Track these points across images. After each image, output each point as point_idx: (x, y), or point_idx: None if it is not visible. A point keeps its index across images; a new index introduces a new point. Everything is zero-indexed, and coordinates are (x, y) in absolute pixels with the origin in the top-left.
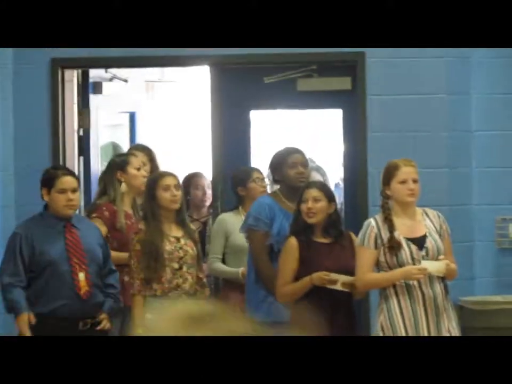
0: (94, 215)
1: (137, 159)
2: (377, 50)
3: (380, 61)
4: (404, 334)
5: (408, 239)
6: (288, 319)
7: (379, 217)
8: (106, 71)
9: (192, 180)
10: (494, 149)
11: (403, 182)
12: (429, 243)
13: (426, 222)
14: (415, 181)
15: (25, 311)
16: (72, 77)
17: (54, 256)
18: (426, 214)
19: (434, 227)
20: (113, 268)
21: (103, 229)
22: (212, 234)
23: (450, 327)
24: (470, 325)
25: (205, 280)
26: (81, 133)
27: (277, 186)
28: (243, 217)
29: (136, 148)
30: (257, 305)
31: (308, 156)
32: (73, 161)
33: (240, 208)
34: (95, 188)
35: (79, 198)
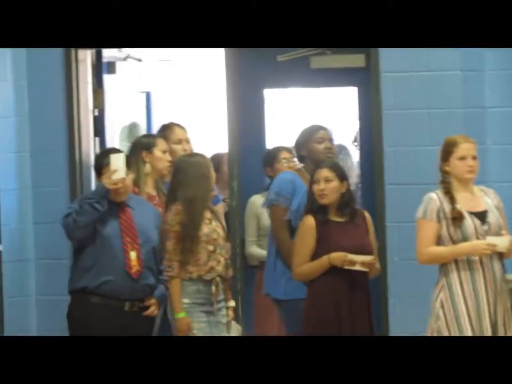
0: None
1: (163, 142)
2: None
3: None
4: (465, 312)
5: (471, 213)
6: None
7: (439, 191)
8: (120, 51)
9: (221, 159)
10: (509, 125)
11: (462, 158)
12: (491, 218)
13: (485, 199)
14: (474, 158)
15: None
16: (85, 57)
17: (107, 232)
18: (484, 192)
19: (493, 204)
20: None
21: None
22: (246, 217)
23: (505, 311)
24: None
25: (229, 261)
26: (96, 113)
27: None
28: None
29: (176, 124)
30: (275, 280)
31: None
32: (89, 142)
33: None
34: None
35: (131, 180)
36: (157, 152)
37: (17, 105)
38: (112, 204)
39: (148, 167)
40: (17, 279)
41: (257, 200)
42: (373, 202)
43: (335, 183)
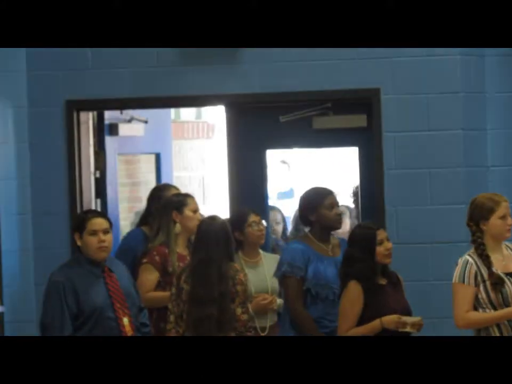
0: (144, 260)
1: (194, 201)
2: (392, 86)
3: (394, 98)
4: None
5: (505, 274)
6: None
7: (473, 253)
8: (121, 113)
9: None
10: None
11: (503, 217)
12: None
13: None
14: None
15: None
16: (87, 119)
17: (99, 303)
18: (510, 248)
19: None
20: (142, 305)
21: (155, 275)
22: None
23: None
24: None
25: None
26: (97, 175)
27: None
28: (243, 263)
29: (189, 196)
30: None
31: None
32: (90, 204)
33: (240, 253)
34: (113, 230)
35: (111, 239)
36: (187, 211)
37: (19, 167)
38: (96, 270)
39: (178, 227)
40: None
41: None
42: None
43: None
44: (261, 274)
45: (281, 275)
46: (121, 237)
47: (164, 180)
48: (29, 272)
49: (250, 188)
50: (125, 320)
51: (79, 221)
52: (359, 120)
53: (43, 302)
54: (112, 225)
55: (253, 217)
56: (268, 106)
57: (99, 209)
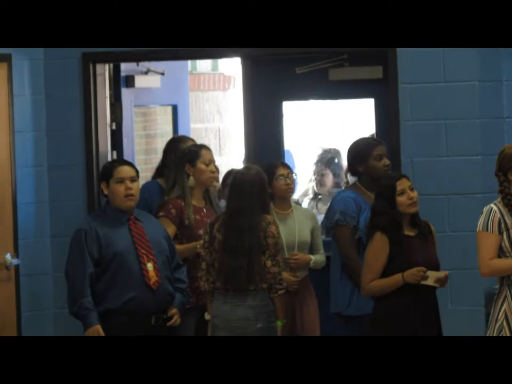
0: (160, 214)
1: (208, 153)
2: None
3: (410, 49)
4: None
5: None
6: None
7: (498, 202)
8: (137, 65)
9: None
10: None
11: None
12: None
13: None
14: None
15: (96, 323)
16: (103, 71)
17: (121, 247)
18: None
19: None
20: (181, 262)
21: (172, 228)
22: None
23: None
24: None
25: None
26: (113, 127)
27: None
28: (274, 215)
29: (204, 146)
30: (346, 301)
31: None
32: (107, 156)
33: (272, 204)
34: None
35: (138, 188)
36: (200, 164)
37: (35, 120)
38: (121, 218)
39: (191, 180)
40: (35, 293)
41: None
42: None
43: (416, 192)
44: (290, 227)
45: (334, 224)
46: None
47: (181, 132)
48: (45, 225)
49: (267, 139)
50: (149, 265)
51: (105, 170)
52: (375, 72)
53: (68, 251)
54: (138, 174)
55: (281, 170)
56: (283, 58)
57: None
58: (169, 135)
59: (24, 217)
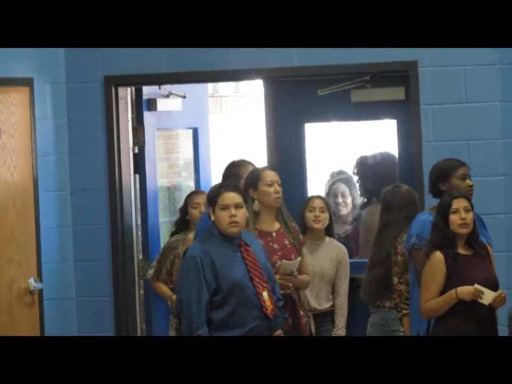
0: None
1: (270, 174)
2: (429, 58)
3: (432, 70)
4: None
5: None
6: None
7: None
8: (159, 88)
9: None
10: None
11: None
12: None
13: None
14: None
15: None
16: (125, 94)
17: (239, 277)
18: None
19: None
20: (275, 278)
21: None
22: None
23: None
24: None
25: None
26: (136, 150)
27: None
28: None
29: (266, 168)
30: (422, 321)
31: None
32: (129, 179)
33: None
34: (151, 206)
35: (244, 214)
36: (263, 186)
37: (57, 144)
38: (231, 244)
39: (256, 205)
40: (59, 317)
41: None
42: None
43: (472, 213)
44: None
45: (410, 247)
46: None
47: (201, 155)
48: (68, 249)
49: (289, 161)
50: (264, 294)
51: (212, 196)
52: (397, 93)
53: (180, 278)
54: (246, 200)
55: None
56: (305, 80)
57: (137, 185)
58: (191, 158)
59: (48, 242)
